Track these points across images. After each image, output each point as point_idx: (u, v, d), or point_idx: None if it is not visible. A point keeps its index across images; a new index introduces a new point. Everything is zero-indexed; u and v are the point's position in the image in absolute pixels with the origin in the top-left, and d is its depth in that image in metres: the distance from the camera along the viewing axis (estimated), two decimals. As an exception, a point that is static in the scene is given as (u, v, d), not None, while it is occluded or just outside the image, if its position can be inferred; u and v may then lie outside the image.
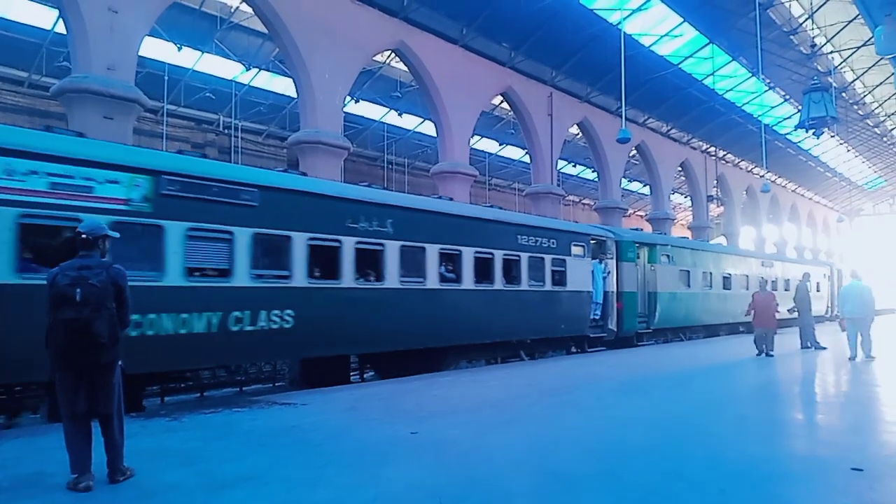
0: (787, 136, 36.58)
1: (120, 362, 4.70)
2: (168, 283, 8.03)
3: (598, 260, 16.42)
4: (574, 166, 38.24)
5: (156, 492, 4.47)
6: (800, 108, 22.97)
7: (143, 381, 8.45)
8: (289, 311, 9.34)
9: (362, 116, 27.71)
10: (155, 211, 7.92)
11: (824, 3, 22.72)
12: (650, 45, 24.29)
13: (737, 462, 5.26)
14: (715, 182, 38.24)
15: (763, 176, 33.99)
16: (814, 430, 6.98)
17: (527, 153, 27.37)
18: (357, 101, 25.56)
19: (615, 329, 16.85)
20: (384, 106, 27.40)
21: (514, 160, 35.60)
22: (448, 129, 20.86)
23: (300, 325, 9.40)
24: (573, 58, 23.82)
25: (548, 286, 14.52)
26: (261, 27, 18.40)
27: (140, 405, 8.31)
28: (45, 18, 18.74)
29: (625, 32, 19.58)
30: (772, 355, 13.90)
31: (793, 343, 16.00)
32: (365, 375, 12.00)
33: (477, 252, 12.60)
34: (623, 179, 32.16)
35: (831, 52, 27.14)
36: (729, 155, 39.08)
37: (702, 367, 13.02)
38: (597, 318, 16.30)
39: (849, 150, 42.80)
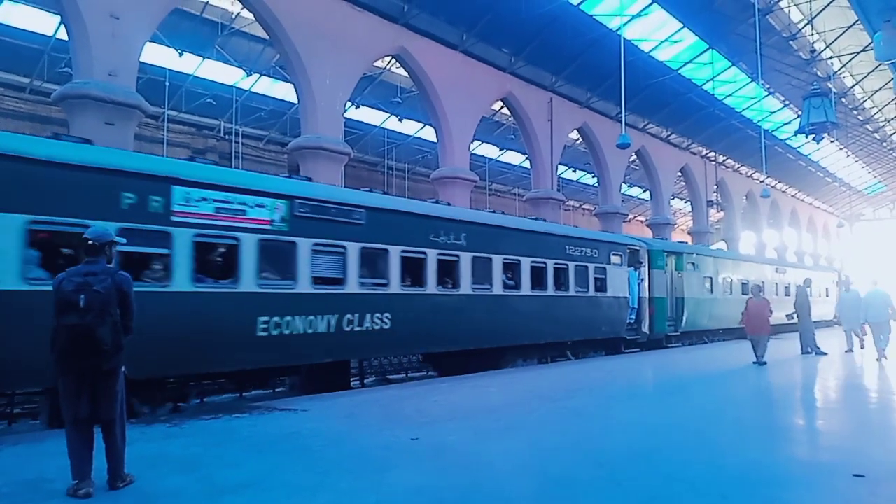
0: (787, 142, 36.63)
1: (123, 368, 4.70)
2: (300, 291, 9.53)
3: (633, 268, 17.84)
4: (574, 171, 38.27)
5: (156, 498, 4.47)
6: (799, 113, 23.00)
7: (277, 373, 10.04)
8: (387, 314, 10.82)
9: (363, 122, 27.74)
10: (290, 230, 9.46)
11: (823, 8, 22.78)
12: (650, 51, 24.35)
13: (737, 467, 5.26)
14: (715, 187, 38.25)
15: (763, 181, 34.07)
16: (815, 436, 6.96)
17: (527, 158, 27.40)
18: (357, 107, 25.60)
19: (648, 332, 18.28)
20: (384, 111, 27.45)
21: (514, 165, 35.64)
22: (448, 134, 20.90)
23: (396, 326, 10.88)
24: (573, 63, 23.88)
25: (591, 292, 16.04)
26: (262, 33, 18.44)
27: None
28: (47, 25, 18.81)
29: (624, 38, 19.64)
30: (764, 363, 13.47)
31: (794, 348, 15.99)
32: (365, 381, 12.00)
33: (532, 262, 14.14)
34: (623, 184, 32.19)
35: (831, 57, 27.20)
36: (729, 160, 39.11)
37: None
38: (632, 321, 17.71)
39: (848, 156, 42.83)
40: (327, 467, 5.27)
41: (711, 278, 21.85)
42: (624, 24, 20.93)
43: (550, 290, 14.65)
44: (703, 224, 36.19)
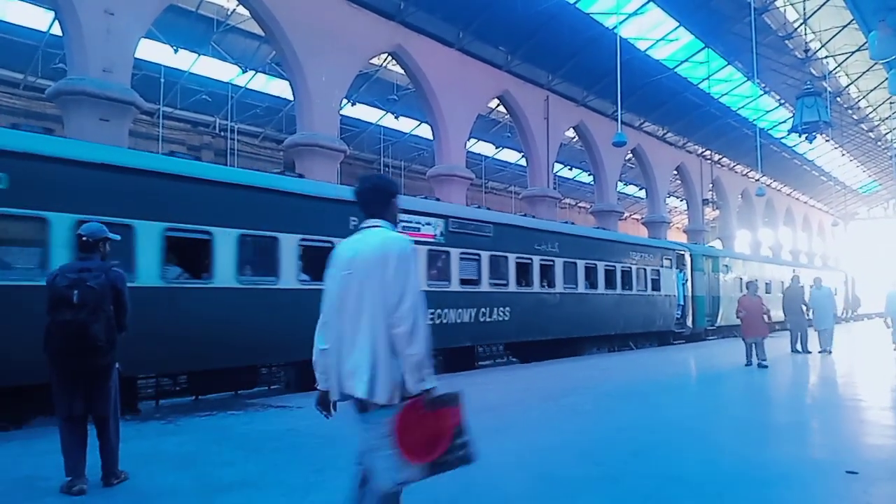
0: (782, 141, 36.71)
1: (117, 365, 4.68)
2: (452, 289, 12.25)
3: (679, 270, 20.95)
4: (570, 169, 38.29)
5: (151, 496, 4.47)
6: (794, 112, 23.06)
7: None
8: (507, 308, 13.55)
9: (359, 119, 27.68)
10: (446, 242, 12.23)
11: (819, 8, 22.81)
12: (646, 50, 24.37)
13: (733, 466, 5.28)
14: (710, 186, 38.33)
15: (758, 180, 34.16)
16: (809, 434, 6.99)
17: (523, 156, 27.39)
18: (353, 104, 25.54)
19: (691, 326, 21.39)
20: (381, 109, 27.39)
21: (510, 163, 35.64)
22: (444, 132, 20.88)
23: (512, 318, 13.64)
24: (569, 62, 23.87)
25: (648, 291, 19.19)
26: (257, 30, 18.36)
27: None
28: (42, 20, 18.68)
29: (621, 36, 19.63)
30: (765, 366, 12.65)
31: (782, 346, 15.98)
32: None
33: (606, 265, 17.20)
34: (619, 183, 32.23)
35: (826, 56, 27.27)
36: (724, 159, 39.20)
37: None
38: (679, 317, 20.73)
39: (843, 155, 42.98)
40: (323, 465, 5.26)
41: (741, 278, 24.34)
42: (620, 23, 20.93)
43: (619, 290, 17.75)
44: (698, 222, 36.28)
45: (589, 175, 33.72)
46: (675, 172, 35.63)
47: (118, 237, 5.09)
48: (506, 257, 13.77)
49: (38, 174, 7.17)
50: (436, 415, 2.80)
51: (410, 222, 11.53)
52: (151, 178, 8.13)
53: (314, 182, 11.68)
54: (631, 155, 31.50)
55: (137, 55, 14.39)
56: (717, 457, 5.60)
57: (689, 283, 21.29)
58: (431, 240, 11.86)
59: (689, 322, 21.28)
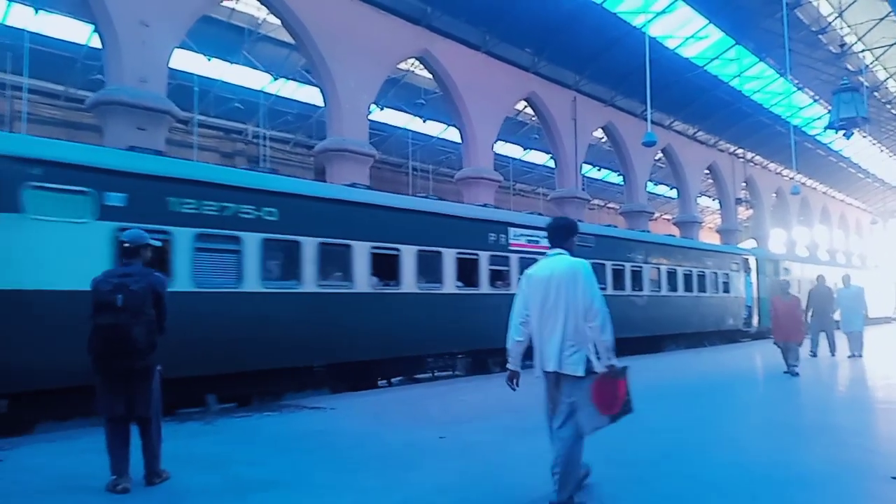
0: (817, 137, 35.87)
1: (159, 367, 4.83)
2: None
3: (746, 273, 22.89)
4: (599, 170, 37.98)
5: (185, 495, 4.59)
6: (830, 108, 22.51)
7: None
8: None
9: (387, 124, 27.91)
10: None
11: (854, 1, 22.29)
12: (675, 48, 24.07)
13: (767, 468, 5.22)
14: (743, 184, 37.62)
15: (793, 178, 33.42)
16: (851, 437, 6.85)
17: (551, 158, 27.29)
18: (382, 109, 25.77)
19: (757, 325, 22.80)
20: (408, 113, 27.58)
21: (538, 165, 35.50)
22: (472, 134, 20.94)
23: (612, 317, 14.94)
24: (596, 61, 23.72)
25: (720, 293, 21.09)
26: (288, 38, 18.67)
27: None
28: (81, 33, 19.30)
29: (649, 35, 19.46)
30: (796, 373, 11.53)
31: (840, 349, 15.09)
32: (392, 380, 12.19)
33: (684, 270, 19.20)
34: (649, 182, 31.87)
35: (862, 50, 26.54)
36: (757, 157, 38.44)
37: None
38: (746, 317, 22.45)
39: (882, 151, 41.77)
40: (353, 466, 5.36)
41: (799, 280, 25.63)
42: (648, 22, 20.75)
43: (695, 292, 19.66)
44: (731, 222, 35.64)
45: (618, 175, 33.42)
46: (707, 171, 35.08)
47: (159, 243, 5.26)
48: (603, 265, 15.55)
49: (296, 208, 9.63)
50: (615, 383, 4.09)
51: (532, 236, 13.62)
52: (335, 204, 10.38)
53: (429, 201, 13.05)
54: (661, 154, 31.13)
55: (172, 65, 14.77)
56: (749, 459, 5.54)
57: (754, 286, 23.12)
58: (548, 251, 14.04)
59: (756, 321, 22.75)
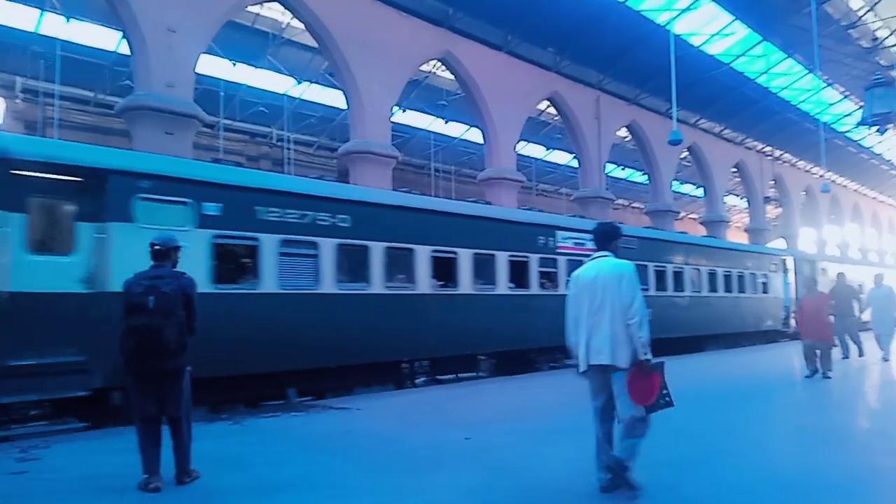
0: (848, 134, 35.10)
1: (189, 368, 4.90)
2: None
3: (784, 273, 23.29)
4: (623, 169, 37.64)
5: (214, 494, 4.65)
6: (861, 104, 22.02)
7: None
8: (649, 310, 15.24)
9: (409, 125, 28.00)
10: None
11: (886, -7, 21.83)
12: (700, 45, 23.75)
13: (800, 474, 5.11)
14: (772, 183, 36.97)
15: (822, 175, 32.73)
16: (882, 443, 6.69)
17: (574, 157, 27.12)
18: (404, 111, 25.85)
19: (795, 326, 24.38)
20: (430, 114, 27.64)
21: (561, 165, 35.30)
22: (494, 135, 20.90)
23: (654, 317, 15.07)
24: (620, 60, 23.52)
25: (759, 293, 21.60)
26: (311, 42, 18.84)
27: None
28: (109, 40, 19.70)
29: (674, 33, 19.21)
30: (829, 376, 10.93)
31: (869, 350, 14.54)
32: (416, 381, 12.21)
33: (724, 271, 19.64)
34: (674, 182, 31.50)
35: (895, 44, 25.95)
36: (786, 154, 37.74)
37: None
38: (784, 317, 22.74)
39: (916, 147, 40.79)
40: (379, 466, 5.37)
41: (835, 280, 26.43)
42: (673, 19, 20.52)
43: (735, 293, 19.99)
44: (759, 221, 35.05)
45: (643, 174, 33.08)
46: (734, 170, 34.56)
47: (186, 245, 5.33)
48: (646, 266, 15.94)
49: (366, 215, 10.32)
50: (651, 376, 4.42)
51: (579, 238, 14.25)
52: (426, 214, 11.56)
53: (484, 206, 14.07)
54: (686, 153, 30.74)
55: (198, 70, 15.01)
56: (777, 464, 5.44)
57: (792, 286, 23.49)
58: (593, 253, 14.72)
59: (793, 322, 22.89)
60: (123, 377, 4.80)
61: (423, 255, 11.05)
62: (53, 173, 7.27)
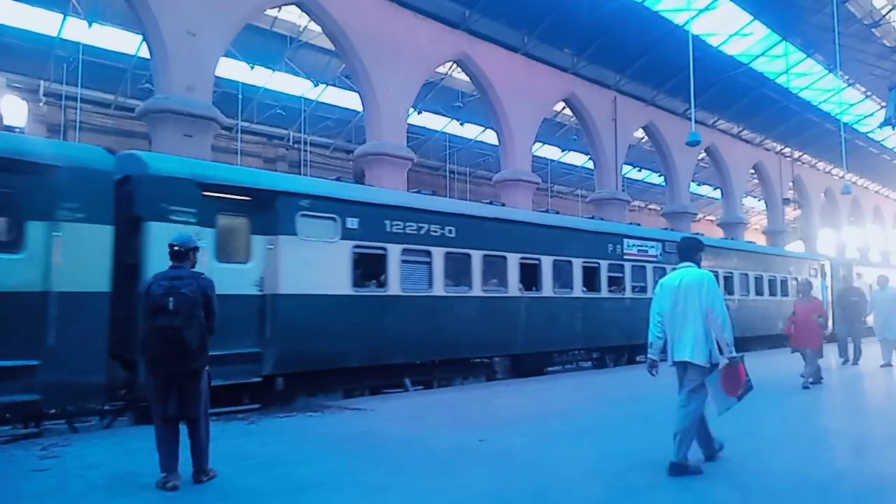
0: (869, 135, 34.56)
1: (207, 368, 4.94)
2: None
3: (822, 278, 23.71)
4: (639, 171, 37.39)
5: (238, 494, 4.68)
6: (883, 104, 21.73)
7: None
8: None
9: (424, 127, 28.05)
10: (664, 260, 15.78)
11: (909, -8, 21.48)
12: (719, 45, 23.52)
13: (820, 476, 5.05)
14: (791, 184, 36.52)
15: (843, 177, 32.28)
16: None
17: (590, 159, 26.97)
18: (420, 112, 25.89)
19: (832, 327, 24.55)
20: (446, 116, 27.66)
21: (576, 166, 35.15)
22: (510, 137, 20.86)
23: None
24: (638, 61, 23.37)
25: (793, 297, 22.73)
26: (328, 45, 18.96)
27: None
28: (130, 44, 19.98)
29: (692, 33, 19.06)
30: (807, 386, 10.01)
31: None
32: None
33: (769, 276, 20.64)
34: (692, 183, 31.22)
35: (919, 44, 25.53)
36: (805, 156, 37.25)
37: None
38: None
39: (940, 148, 40.04)
40: (399, 467, 5.39)
41: (871, 285, 27.40)
42: (691, 19, 20.34)
43: (779, 296, 20.87)
44: (778, 223, 34.62)
45: (659, 176, 32.84)
46: (753, 171, 34.18)
47: (206, 246, 5.38)
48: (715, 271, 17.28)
49: (467, 226, 11.56)
50: (737, 369, 5.14)
51: (643, 246, 15.68)
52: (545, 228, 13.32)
53: (563, 217, 15.44)
54: (704, 154, 30.46)
55: (217, 73, 15.15)
56: (801, 467, 5.37)
57: (829, 290, 23.82)
58: (655, 258, 15.94)
59: (830, 323, 23.04)
60: (150, 377, 4.84)
61: (513, 262, 12.26)
62: (234, 194, 8.57)
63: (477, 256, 11.55)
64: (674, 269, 5.46)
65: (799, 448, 6.18)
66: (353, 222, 9.74)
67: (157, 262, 6.72)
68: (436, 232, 10.93)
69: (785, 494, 4.60)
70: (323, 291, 9.26)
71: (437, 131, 28.93)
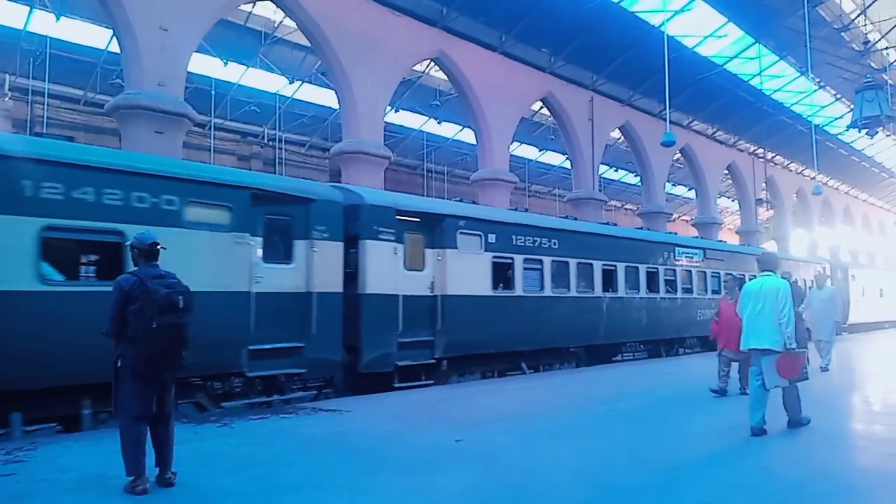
0: (839, 137, 35.29)
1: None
2: (707, 296, 18.52)
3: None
4: (616, 171, 37.71)
5: (214, 496, 4.56)
6: (852, 107, 22.16)
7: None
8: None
9: (402, 125, 27.92)
10: (705, 266, 18.75)
11: (878, -3, 21.91)
12: (694, 47, 23.78)
13: (795, 474, 5.08)
14: (764, 185, 37.12)
15: (814, 178, 32.91)
16: (877, 444, 6.67)
17: (567, 158, 27.10)
18: (397, 111, 25.77)
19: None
20: (423, 115, 27.56)
21: (554, 166, 35.33)
22: (487, 136, 20.84)
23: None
24: (615, 61, 23.53)
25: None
26: (304, 41, 18.74)
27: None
28: (100, 38, 19.52)
29: (667, 34, 19.21)
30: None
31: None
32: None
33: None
34: (667, 183, 31.55)
35: (886, 48, 26.05)
36: (778, 157, 37.92)
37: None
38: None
39: (906, 150, 41.04)
40: (377, 468, 5.30)
41: (863, 286, 29.61)
42: (667, 21, 20.52)
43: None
44: (751, 223, 35.17)
45: (635, 176, 33.15)
46: (727, 172, 34.68)
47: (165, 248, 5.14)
48: (727, 272, 19.17)
49: (567, 239, 13.99)
50: (796, 359, 6.52)
51: (689, 254, 18.10)
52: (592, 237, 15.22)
53: (630, 230, 18.16)
54: (679, 155, 30.81)
55: (189, 69, 14.87)
56: (778, 465, 5.40)
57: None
58: (698, 264, 18.42)
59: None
60: (138, 375, 4.67)
61: (597, 268, 14.69)
62: (414, 217, 11.00)
63: (573, 264, 14.01)
64: (754, 276, 7.22)
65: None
66: (492, 237, 12.15)
67: (371, 270, 10.06)
68: (545, 244, 13.37)
69: None
70: (474, 293, 11.73)
71: (414, 130, 28.83)
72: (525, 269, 12.79)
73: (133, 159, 8.10)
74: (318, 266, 9.16)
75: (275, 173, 23.53)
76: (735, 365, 9.30)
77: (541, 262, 13.19)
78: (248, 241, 8.41)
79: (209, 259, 7.98)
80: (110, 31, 17.02)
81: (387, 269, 10.33)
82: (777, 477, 5.02)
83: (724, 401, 8.99)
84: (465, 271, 11.50)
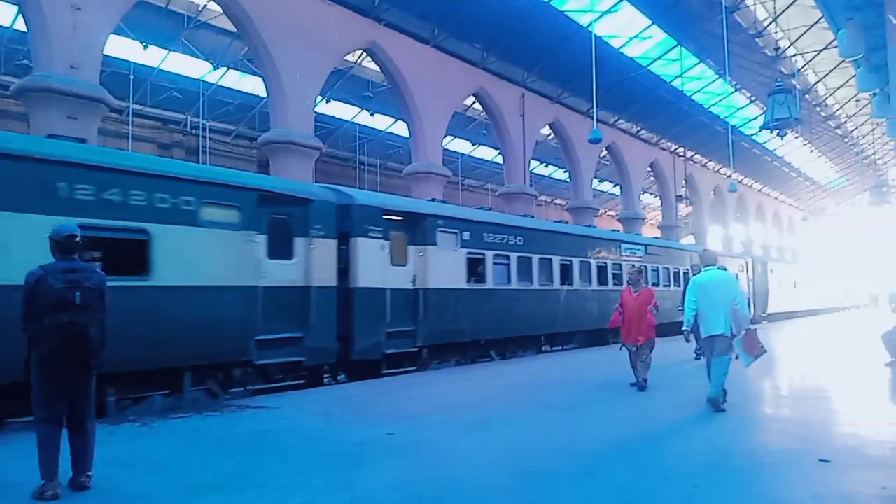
0: (754, 137, 37.28)
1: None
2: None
3: (747, 273, 27.74)
4: (546, 166, 38.46)
5: (127, 499, 4.38)
6: (765, 109, 23.42)
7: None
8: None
9: (333, 117, 27.45)
10: (646, 259, 20.69)
11: (788, 6, 23.21)
12: (620, 47, 24.53)
13: (709, 456, 5.34)
14: (683, 182, 38.79)
15: (730, 176, 34.65)
16: (785, 425, 7.10)
17: (499, 154, 27.45)
18: (328, 101, 25.32)
19: (754, 314, 26.46)
20: (356, 106, 27.20)
21: (486, 161, 35.67)
22: (420, 129, 20.81)
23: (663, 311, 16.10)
24: (545, 59, 23.96)
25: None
26: (229, 26, 18.08)
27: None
28: (4, 15, 18.20)
29: (595, 34, 19.73)
30: (640, 386, 9.07)
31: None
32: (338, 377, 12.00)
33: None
34: (594, 179, 32.46)
35: (795, 54, 27.74)
36: (697, 155, 39.69)
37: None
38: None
39: (812, 151, 43.79)
40: (302, 465, 5.22)
41: (779, 280, 32.40)
42: (595, 21, 21.05)
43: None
44: (672, 219, 36.70)
45: (565, 172, 33.92)
46: (649, 169, 36.01)
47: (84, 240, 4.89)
48: (664, 266, 21.53)
49: (530, 237, 15.45)
50: (752, 336, 7.41)
51: (633, 249, 19.93)
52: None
53: (587, 228, 19.60)
54: (606, 152, 31.75)
55: (106, 51, 14.11)
56: (693, 449, 5.66)
57: (751, 283, 27.88)
58: (640, 258, 19.95)
59: (753, 311, 26.28)
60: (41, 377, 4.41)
61: (556, 263, 16.03)
62: (398, 216, 11.87)
63: (535, 259, 15.21)
64: (700, 270, 8.02)
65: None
66: (466, 235, 13.21)
67: (362, 265, 10.87)
68: (512, 241, 14.55)
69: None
70: (452, 286, 12.72)
71: (346, 121, 28.41)
72: (495, 264, 13.89)
73: (154, 163, 9.01)
74: (315, 261, 9.92)
75: (198, 163, 22.65)
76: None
77: (508, 257, 14.36)
78: (255, 238, 9.07)
79: (223, 255, 8.66)
80: (16, 8, 15.89)
81: (375, 265, 11.10)
82: (693, 458, 5.26)
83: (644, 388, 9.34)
84: (444, 266, 12.47)
